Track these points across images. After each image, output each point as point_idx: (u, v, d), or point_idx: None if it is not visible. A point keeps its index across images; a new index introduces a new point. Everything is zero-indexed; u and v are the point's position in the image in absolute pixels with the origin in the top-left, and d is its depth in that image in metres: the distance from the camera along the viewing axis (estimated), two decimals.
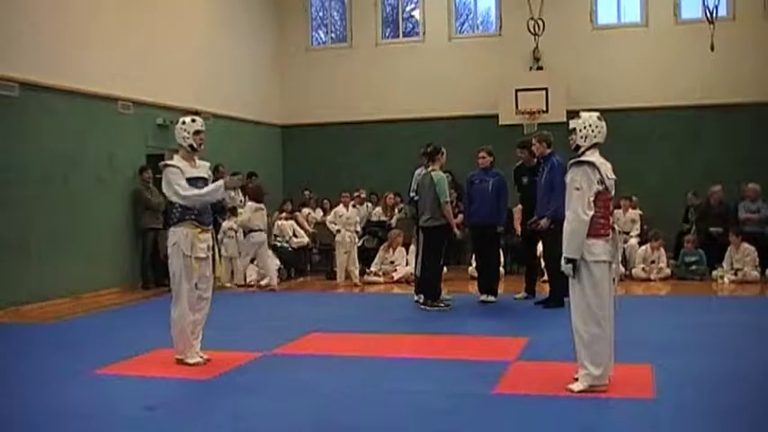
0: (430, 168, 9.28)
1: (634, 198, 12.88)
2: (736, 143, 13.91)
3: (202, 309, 6.34)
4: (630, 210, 12.53)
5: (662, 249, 11.76)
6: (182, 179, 6.15)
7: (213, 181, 6.64)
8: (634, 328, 6.98)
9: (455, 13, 15.96)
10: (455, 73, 15.24)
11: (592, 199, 5.22)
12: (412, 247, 11.84)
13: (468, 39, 15.98)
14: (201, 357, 6.28)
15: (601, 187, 5.26)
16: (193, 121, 6.30)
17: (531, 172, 9.47)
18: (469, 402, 5.18)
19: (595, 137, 5.40)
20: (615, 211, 8.47)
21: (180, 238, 6.16)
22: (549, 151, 9.10)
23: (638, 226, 12.50)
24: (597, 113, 5.50)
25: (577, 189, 5.25)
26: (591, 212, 5.20)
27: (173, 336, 6.26)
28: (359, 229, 12.27)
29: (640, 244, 12.14)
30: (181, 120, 6.37)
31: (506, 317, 8.77)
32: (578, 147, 5.45)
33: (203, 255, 6.27)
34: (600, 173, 5.25)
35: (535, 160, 9.43)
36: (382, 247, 12.39)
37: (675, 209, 13.34)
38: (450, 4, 15.67)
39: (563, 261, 5.30)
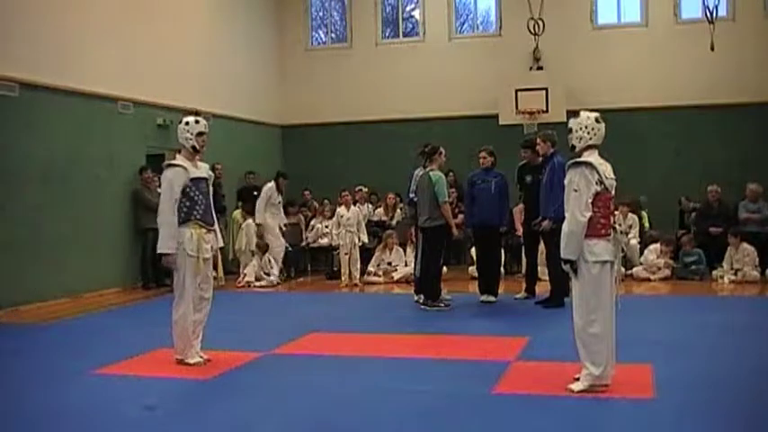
0: (428, 168, 9.27)
1: (643, 197, 13.06)
2: (736, 143, 13.92)
3: (203, 309, 6.33)
4: (630, 214, 12.51)
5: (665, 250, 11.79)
6: (179, 185, 6.13)
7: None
8: (634, 328, 6.97)
9: (455, 13, 15.98)
10: (455, 73, 15.24)
11: (590, 200, 5.21)
12: (409, 249, 11.87)
13: (468, 39, 15.99)
14: (201, 357, 6.28)
15: (600, 188, 5.24)
16: (197, 122, 6.26)
17: (534, 171, 9.44)
18: (469, 402, 5.18)
19: (590, 139, 5.36)
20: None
21: (185, 239, 6.15)
22: (552, 150, 9.09)
23: (637, 229, 12.50)
24: (597, 114, 5.43)
25: (575, 191, 5.23)
26: (588, 214, 5.19)
27: (174, 335, 6.26)
28: (363, 229, 12.14)
29: (641, 244, 12.16)
30: (184, 120, 6.33)
31: (506, 317, 8.76)
32: (573, 147, 5.44)
33: (208, 255, 6.27)
34: (598, 173, 5.24)
35: (540, 159, 9.41)
36: (378, 248, 12.38)
37: (675, 209, 13.37)
38: (450, 4, 15.68)
39: (562, 262, 5.31)
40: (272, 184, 12.41)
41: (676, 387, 5.37)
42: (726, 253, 11.34)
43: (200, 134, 6.24)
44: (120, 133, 11.56)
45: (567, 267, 5.28)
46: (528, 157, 9.60)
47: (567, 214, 5.29)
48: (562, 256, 5.29)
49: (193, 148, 6.25)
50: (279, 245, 12.29)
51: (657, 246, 11.71)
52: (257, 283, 11.84)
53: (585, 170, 5.24)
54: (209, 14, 14.12)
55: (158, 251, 6.18)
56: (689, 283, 11.20)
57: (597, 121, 5.41)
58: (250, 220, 12.55)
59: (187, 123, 6.26)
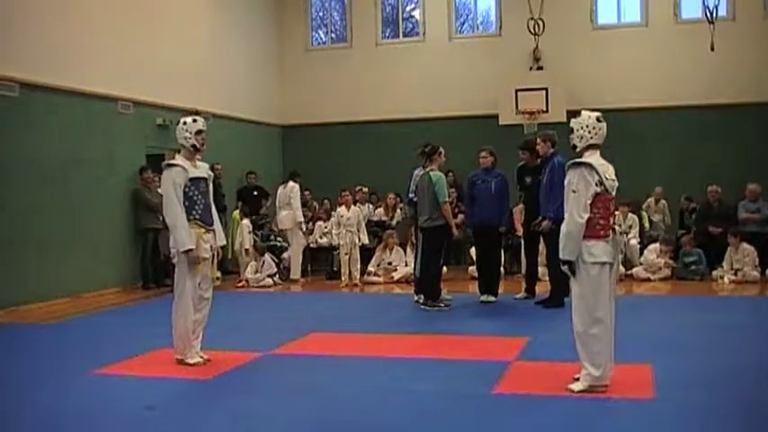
0: (428, 168, 9.27)
1: (658, 188, 13.20)
2: (736, 143, 13.92)
3: (203, 309, 6.33)
4: (630, 214, 12.52)
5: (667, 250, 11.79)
6: (180, 185, 6.12)
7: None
8: (634, 328, 6.99)
9: (455, 13, 15.97)
10: (455, 73, 15.24)
11: (589, 201, 5.19)
12: (409, 249, 11.87)
13: (468, 39, 15.99)
14: (201, 357, 6.27)
15: (599, 189, 5.22)
16: (194, 120, 6.28)
17: (534, 172, 9.45)
18: (469, 402, 5.18)
19: (591, 138, 5.35)
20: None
21: None
22: (552, 151, 9.09)
23: (637, 229, 12.51)
24: (598, 114, 5.42)
25: (574, 192, 5.22)
26: (587, 215, 5.18)
27: (174, 336, 6.25)
28: (363, 229, 12.16)
29: (641, 244, 12.17)
30: (182, 120, 6.34)
31: (506, 317, 8.76)
32: (575, 146, 5.44)
33: (207, 255, 6.27)
34: (598, 174, 5.22)
35: (539, 160, 9.42)
36: (379, 247, 12.38)
37: (676, 209, 13.37)
38: (450, 4, 15.68)
39: (561, 263, 5.31)
40: (295, 185, 12.78)
41: (676, 387, 5.37)
42: (726, 253, 11.34)
43: (198, 132, 6.24)
44: (120, 133, 11.56)
45: (565, 268, 5.29)
46: (526, 159, 9.62)
47: (565, 215, 5.30)
48: (560, 256, 5.29)
49: (193, 146, 6.26)
50: (302, 243, 12.81)
51: (657, 246, 11.71)
52: (256, 283, 11.85)
53: (585, 171, 5.23)
54: (209, 14, 14.12)
55: (183, 249, 6.08)
56: (689, 283, 11.20)
57: (598, 120, 5.39)
58: (246, 221, 12.57)
59: (185, 123, 6.27)
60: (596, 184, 5.21)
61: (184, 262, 6.16)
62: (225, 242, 6.99)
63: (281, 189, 13.06)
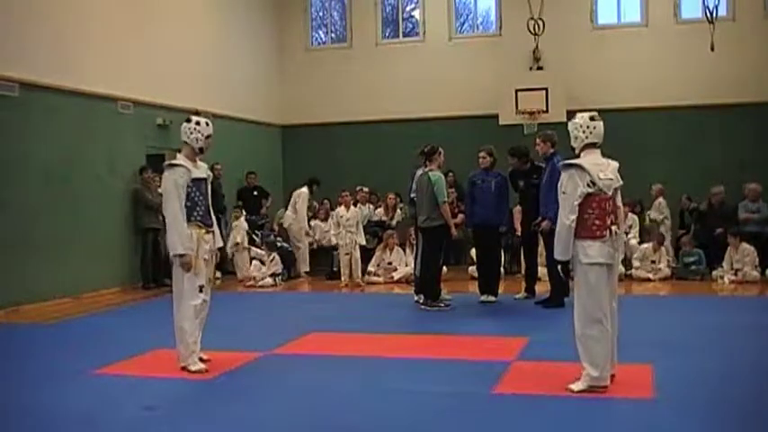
0: (427, 168, 9.27)
1: (659, 185, 13.15)
2: (736, 143, 13.91)
3: (203, 310, 6.31)
4: (630, 214, 12.51)
5: (663, 249, 11.76)
6: (183, 186, 6.10)
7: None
8: (634, 328, 6.96)
9: (455, 13, 15.98)
10: (455, 73, 15.24)
11: (577, 202, 5.18)
12: (409, 249, 11.86)
13: (468, 39, 15.99)
14: (203, 362, 6.15)
15: (591, 189, 5.21)
16: (207, 124, 6.24)
17: (525, 175, 9.52)
18: (469, 402, 5.18)
19: (586, 138, 5.34)
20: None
21: None
22: (552, 151, 9.10)
23: (636, 229, 12.50)
24: (591, 113, 5.41)
25: (564, 193, 5.24)
26: (574, 216, 5.18)
27: (176, 340, 6.18)
28: (361, 230, 12.17)
29: (641, 244, 12.17)
30: (195, 120, 6.25)
31: (506, 317, 8.77)
32: (573, 148, 5.44)
33: (207, 256, 6.24)
34: (590, 174, 5.20)
35: (528, 165, 9.51)
36: (379, 247, 12.38)
37: (676, 209, 13.36)
38: (450, 4, 15.68)
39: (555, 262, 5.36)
40: (305, 190, 13.10)
41: (676, 387, 5.37)
42: (726, 253, 11.34)
43: (209, 136, 6.24)
44: (120, 133, 11.56)
45: (558, 268, 5.31)
46: (515, 165, 9.71)
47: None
48: (554, 256, 5.32)
49: (200, 149, 6.25)
50: (306, 246, 13.12)
51: (649, 245, 11.72)
52: (261, 279, 11.91)
53: (574, 172, 5.23)
54: (209, 14, 14.12)
55: (174, 252, 6.04)
56: (689, 283, 11.20)
57: (592, 119, 5.38)
58: (240, 219, 12.61)
59: (198, 123, 6.20)
60: (588, 185, 5.20)
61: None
62: (222, 244, 6.95)
63: (294, 192, 13.46)
